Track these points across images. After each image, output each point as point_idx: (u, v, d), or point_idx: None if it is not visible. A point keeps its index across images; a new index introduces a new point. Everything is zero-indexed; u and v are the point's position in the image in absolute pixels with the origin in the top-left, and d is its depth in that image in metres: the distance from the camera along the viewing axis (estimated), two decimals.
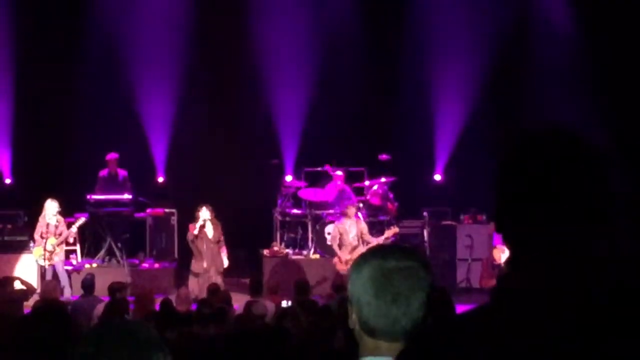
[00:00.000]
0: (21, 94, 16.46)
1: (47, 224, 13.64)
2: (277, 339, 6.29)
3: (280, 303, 10.31)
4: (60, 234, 13.74)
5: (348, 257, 12.86)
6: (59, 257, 13.66)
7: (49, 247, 13.49)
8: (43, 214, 13.74)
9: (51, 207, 13.71)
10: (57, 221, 13.78)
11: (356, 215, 13.57)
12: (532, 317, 1.75)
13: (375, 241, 13.00)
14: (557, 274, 1.78)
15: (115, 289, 10.20)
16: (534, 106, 16.11)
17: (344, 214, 13.64)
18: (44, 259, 13.45)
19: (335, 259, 13.43)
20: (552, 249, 1.80)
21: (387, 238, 13.35)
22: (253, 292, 10.89)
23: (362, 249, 12.16)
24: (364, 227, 13.48)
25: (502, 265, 13.30)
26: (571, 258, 1.79)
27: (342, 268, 12.95)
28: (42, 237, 13.57)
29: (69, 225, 14.08)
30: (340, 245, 13.31)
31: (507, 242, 1.89)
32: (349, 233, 13.29)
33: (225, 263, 13.83)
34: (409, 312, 2.00)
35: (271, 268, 14.66)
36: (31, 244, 14.33)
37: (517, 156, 1.86)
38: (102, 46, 16.28)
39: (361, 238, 13.25)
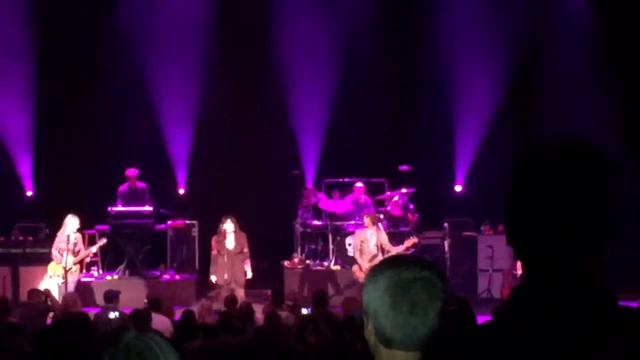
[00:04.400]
0: (42, 106, 16.55)
1: (67, 240, 13.19)
2: (298, 350, 6.30)
3: (300, 311, 10.34)
4: (78, 252, 13.40)
5: (367, 265, 12.72)
6: (72, 277, 13.19)
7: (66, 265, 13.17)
8: (62, 229, 13.40)
9: (72, 224, 13.36)
10: (76, 238, 13.39)
11: (377, 225, 13.48)
12: (546, 328, 1.76)
13: (394, 250, 12.88)
14: (568, 285, 1.79)
15: (156, 301, 10.19)
16: (555, 115, 16.01)
17: (364, 223, 13.56)
18: (63, 277, 13.09)
19: (355, 267, 13.36)
20: (564, 261, 1.80)
21: (407, 248, 13.22)
22: (274, 303, 10.91)
23: (381, 258, 12.06)
24: (384, 236, 13.38)
25: (519, 276, 13.26)
26: (580, 269, 1.79)
27: (362, 276, 12.86)
28: (59, 254, 13.27)
29: (90, 243, 14.00)
30: (361, 253, 13.25)
31: (519, 254, 1.89)
32: (369, 242, 13.22)
33: (249, 275, 13.85)
34: (426, 322, 2.00)
35: (292, 279, 14.67)
36: None
37: (526, 169, 1.86)
38: (125, 58, 16.36)
39: (381, 247, 13.16)
